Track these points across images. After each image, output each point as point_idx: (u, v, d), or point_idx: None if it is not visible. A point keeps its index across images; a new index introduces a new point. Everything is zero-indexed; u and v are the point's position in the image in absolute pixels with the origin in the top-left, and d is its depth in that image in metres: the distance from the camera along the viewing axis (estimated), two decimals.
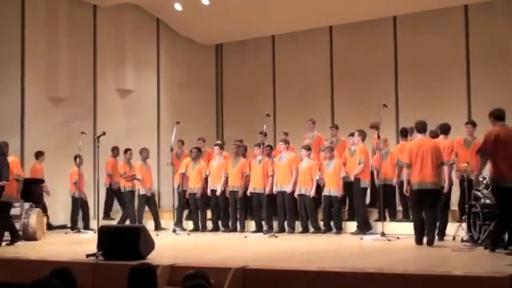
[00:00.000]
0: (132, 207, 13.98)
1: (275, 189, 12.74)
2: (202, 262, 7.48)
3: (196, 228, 13.76)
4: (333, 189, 12.26)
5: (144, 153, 14.33)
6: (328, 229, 12.31)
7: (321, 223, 12.47)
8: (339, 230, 12.22)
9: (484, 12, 15.29)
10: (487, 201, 9.38)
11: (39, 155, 14.08)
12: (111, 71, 16.66)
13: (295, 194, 12.59)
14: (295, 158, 12.82)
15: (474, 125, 11.40)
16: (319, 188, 12.59)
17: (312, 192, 12.41)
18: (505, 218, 8.28)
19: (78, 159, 14.03)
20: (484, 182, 9.64)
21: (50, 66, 15.27)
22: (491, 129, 8.65)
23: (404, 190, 10.07)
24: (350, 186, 12.27)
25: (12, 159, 11.08)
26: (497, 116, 8.68)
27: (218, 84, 19.48)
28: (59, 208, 14.81)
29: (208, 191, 13.67)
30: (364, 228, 11.77)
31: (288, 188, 12.61)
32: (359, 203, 12.07)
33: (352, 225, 12.16)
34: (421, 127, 9.93)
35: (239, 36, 18.44)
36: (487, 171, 9.06)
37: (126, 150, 14.52)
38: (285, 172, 12.68)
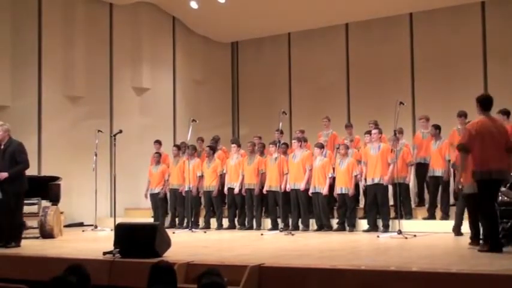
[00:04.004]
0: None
1: (288, 187, 12.73)
2: (218, 260, 7.47)
3: (207, 226, 13.79)
4: (344, 187, 12.24)
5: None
6: (342, 227, 12.30)
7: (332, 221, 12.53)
8: (352, 227, 12.20)
9: (500, 8, 15.20)
10: (505, 198, 9.31)
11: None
12: (128, 69, 16.74)
13: (310, 192, 12.57)
14: (309, 156, 12.78)
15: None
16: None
17: (325, 190, 12.38)
18: None
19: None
20: None
21: (67, 64, 15.37)
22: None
23: None
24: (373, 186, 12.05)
25: None
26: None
27: (234, 81, 19.51)
28: (75, 206, 14.88)
29: (226, 189, 13.68)
30: (388, 226, 11.77)
31: (301, 186, 12.59)
32: (386, 201, 12.02)
33: (365, 223, 12.14)
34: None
35: (255, 34, 18.47)
36: None
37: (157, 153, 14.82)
38: (298, 170, 12.66)
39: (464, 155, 8.09)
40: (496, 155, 7.92)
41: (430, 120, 12.80)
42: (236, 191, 13.45)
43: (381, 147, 11.95)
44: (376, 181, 11.88)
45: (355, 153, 12.83)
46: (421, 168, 12.66)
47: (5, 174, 9.73)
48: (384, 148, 11.92)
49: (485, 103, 8.20)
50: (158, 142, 15.08)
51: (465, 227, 10.09)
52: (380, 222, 11.89)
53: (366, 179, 12.11)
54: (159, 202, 14.41)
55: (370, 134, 12.29)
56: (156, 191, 14.41)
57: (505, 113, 11.21)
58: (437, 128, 12.24)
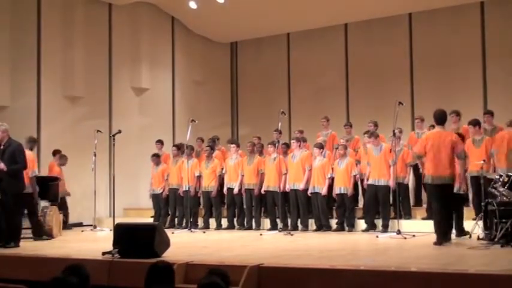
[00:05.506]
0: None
1: (287, 187, 12.73)
2: (217, 260, 7.48)
3: (206, 226, 13.78)
4: (343, 187, 12.24)
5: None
6: (341, 227, 12.29)
7: (331, 221, 12.53)
8: (351, 227, 12.20)
9: (500, 8, 15.21)
10: (504, 199, 9.32)
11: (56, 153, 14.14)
12: (127, 70, 16.73)
13: (309, 192, 12.57)
14: (308, 156, 12.77)
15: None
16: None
17: (324, 190, 12.38)
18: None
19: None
20: (501, 180, 9.57)
21: (66, 65, 15.36)
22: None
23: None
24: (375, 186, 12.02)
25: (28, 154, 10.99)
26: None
27: (233, 82, 19.52)
28: (74, 206, 14.87)
29: (225, 189, 13.67)
30: (387, 226, 11.77)
31: (300, 186, 12.59)
32: (387, 201, 12.01)
33: (364, 223, 12.13)
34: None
35: (254, 34, 18.46)
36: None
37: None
38: (297, 170, 12.65)
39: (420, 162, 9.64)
40: (436, 164, 9.10)
41: (429, 121, 12.77)
42: (235, 191, 13.44)
43: (383, 148, 11.96)
44: (378, 181, 11.87)
45: (351, 153, 12.82)
46: (418, 169, 12.66)
47: (3, 166, 9.76)
48: (386, 148, 11.92)
49: (438, 117, 9.38)
50: (160, 142, 15.09)
51: (468, 226, 10.14)
52: (379, 222, 11.90)
53: (367, 179, 12.09)
54: (161, 202, 14.40)
55: (369, 135, 12.30)
56: (158, 191, 14.41)
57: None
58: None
